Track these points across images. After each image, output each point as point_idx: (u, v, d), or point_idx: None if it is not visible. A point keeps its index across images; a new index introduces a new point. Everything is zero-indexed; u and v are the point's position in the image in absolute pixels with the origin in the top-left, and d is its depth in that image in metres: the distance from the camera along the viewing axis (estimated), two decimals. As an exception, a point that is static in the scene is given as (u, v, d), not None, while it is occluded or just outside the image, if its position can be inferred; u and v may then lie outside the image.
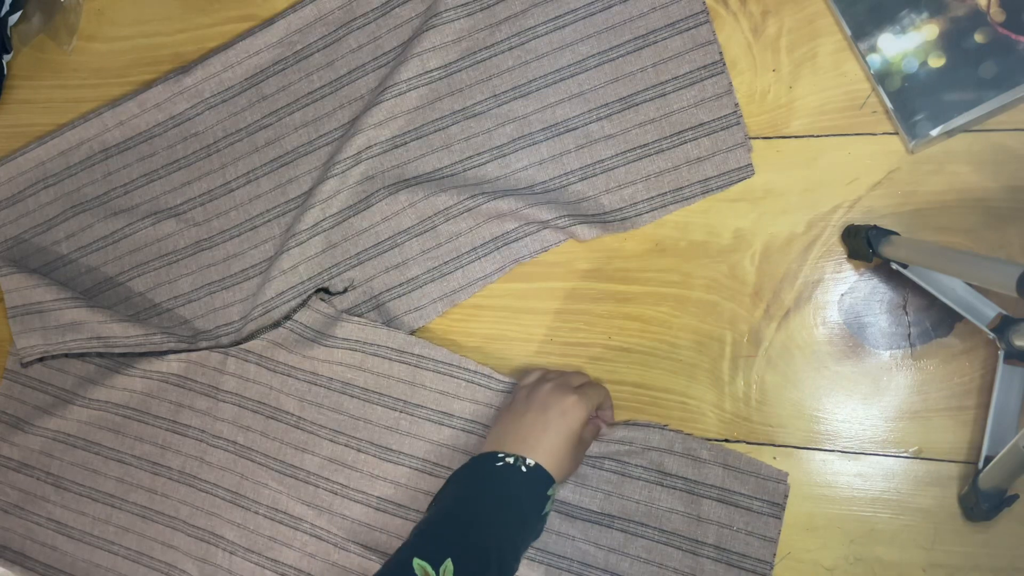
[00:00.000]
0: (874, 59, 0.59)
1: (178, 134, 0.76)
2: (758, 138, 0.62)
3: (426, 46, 0.67)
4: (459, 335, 0.68)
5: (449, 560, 0.47)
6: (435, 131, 0.69)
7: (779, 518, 0.59)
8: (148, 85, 0.76)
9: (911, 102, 0.58)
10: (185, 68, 0.75)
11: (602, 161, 0.65)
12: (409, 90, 0.68)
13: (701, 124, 0.63)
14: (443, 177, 0.68)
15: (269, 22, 0.72)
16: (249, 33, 0.73)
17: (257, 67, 0.73)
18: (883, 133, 0.60)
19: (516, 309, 0.67)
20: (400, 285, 0.69)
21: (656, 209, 0.64)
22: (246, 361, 0.71)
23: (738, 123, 0.62)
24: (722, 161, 0.63)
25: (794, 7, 0.62)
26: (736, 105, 0.62)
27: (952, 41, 0.58)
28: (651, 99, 0.64)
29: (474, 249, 0.67)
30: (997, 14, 0.57)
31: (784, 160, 0.62)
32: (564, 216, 0.64)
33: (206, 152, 0.75)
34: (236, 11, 0.75)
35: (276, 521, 0.69)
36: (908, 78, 0.58)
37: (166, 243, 0.75)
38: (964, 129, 0.58)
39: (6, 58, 0.82)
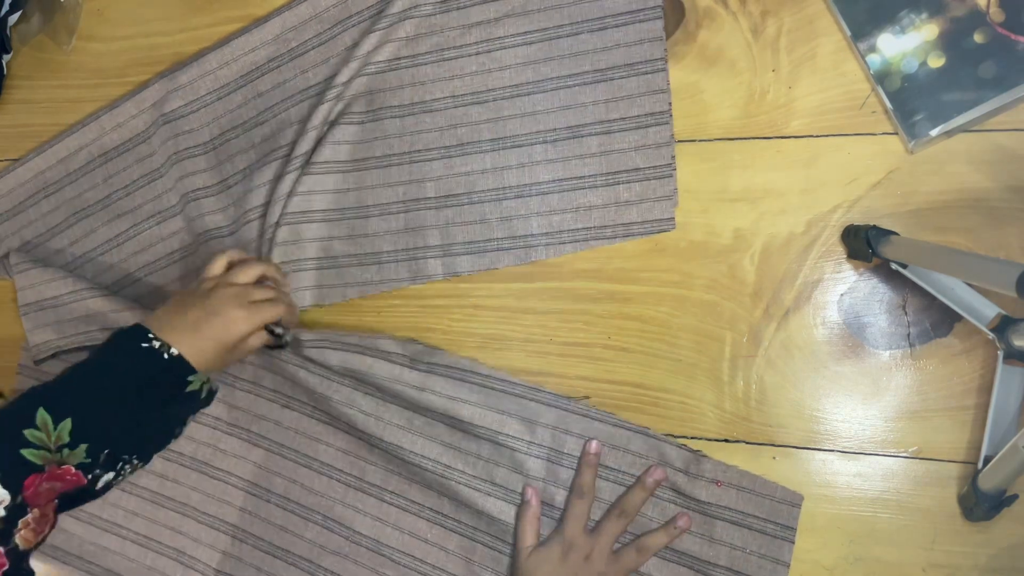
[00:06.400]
0: (874, 59, 0.59)
1: (173, 131, 0.75)
2: (758, 138, 0.62)
3: (400, 35, 0.69)
4: (459, 335, 0.68)
5: (69, 420, 0.51)
6: (391, 117, 0.69)
7: (792, 541, 0.59)
8: (144, 85, 0.76)
9: (911, 102, 0.58)
10: (180, 66, 0.75)
11: (539, 184, 0.66)
12: (377, 72, 0.69)
13: (637, 169, 0.64)
14: (390, 166, 0.70)
15: (264, 19, 0.73)
16: (244, 30, 0.73)
17: (252, 64, 0.73)
18: (883, 133, 0.60)
19: (516, 309, 0.67)
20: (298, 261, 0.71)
21: (579, 242, 0.65)
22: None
23: (671, 175, 0.63)
24: (648, 209, 0.64)
25: (794, 7, 0.62)
26: (672, 158, 0.63)
27: (951, 41, 0.58)
28: (596, 134, 0.65)
29: (394, 252, 0.69)
30: (996, 14, 0.57)
31: (784, 160, 0.62)
32: (488, 240, 0.67)
33: (202, 149, 0.75)
34: (235, 11, 0.75)
35: (288, 511, 0.68)
36: (908, 78, 0.58)
37: (170, 242, 0.76)
38: (964, 129, 0.58)
39: (6, 58, 0.82)
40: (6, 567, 0.49)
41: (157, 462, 0.73)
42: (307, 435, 0.69)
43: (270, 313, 0.63)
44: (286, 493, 0.69)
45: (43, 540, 0.52)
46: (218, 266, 0.65)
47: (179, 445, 0.72)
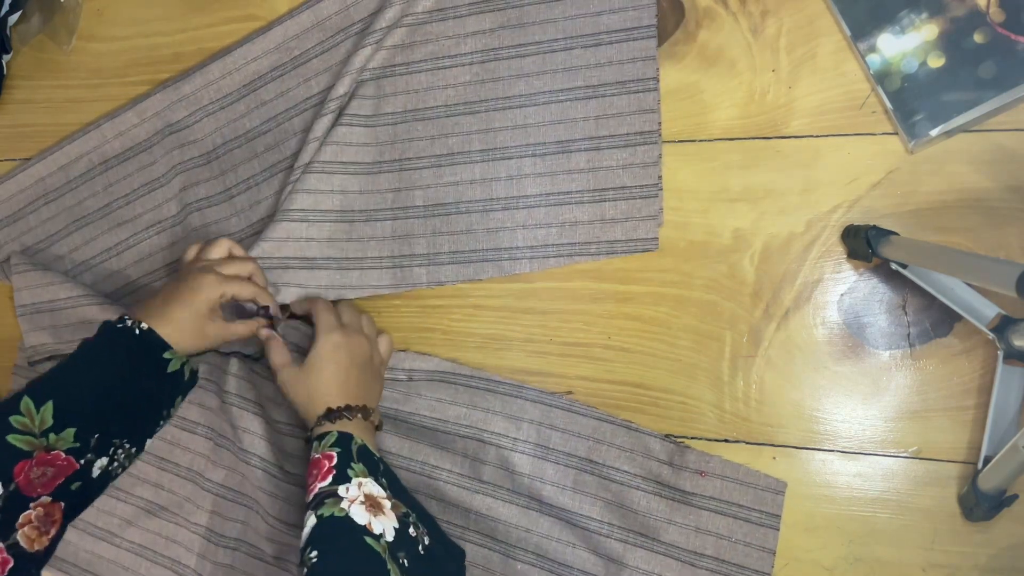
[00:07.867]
0: (873, 59, 0.59)
1: (177, 142, 0.75)
2: (758, 138, 0.62)
3: (396, 41, 0.68)
4: (459, 335, 0.68)
5: (51, 402, 0.53)
6: (384, 124, 0.69)
7: (777, 528, 0.59)
8: (146, 94, 0.75)
9: (911, 102, 0.58)
10: (183, 75, 0.75)
11: (526, 196, 0.66)
12: (372, 79, 0.69)
13: (623, 187, 0.64)
14: (380, 172, 0.69)
15: (266, 28, 0.72)
16: (247, 39, 0.73)
17: (255, 73, 0.73)
18: (883, 133, 0.60)
19: (516, 309, 0.67)
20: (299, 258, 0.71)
21: (563, 256, 0.65)
22: (244, 364, 0.71)
23: (656, 195, 0.63)
24: (632, 228, 0.64)
25: (794, 7, 0.62)
26: (659, 178, 0.63)
27: (951, 41, 0.58)
28: (585, 150, 0.65)
29: (378, 258, 0.69)
30: (996, 14, 0.57)
31: (784, 160, 0.62)
32: (473, 251, 0.67)
33: (205, 159, 0.75)
34: (236, 11, 0.75)
35: (281, 521, 0.68)
36: (907, 78, 0.58)
37: (170, 251, 0.75)
38: (964, 129, 0.58)
39: (6, 58, 0.82)
40: (11, 564, 0.48)
41: (152, 471, 0.73)
42: (288, 453, 0.68)
43: (240, 285, 0.62)
44: (268, 509, 0.68)
45: (53, 546, 0.52)
46: (190, 253, 0.66)
47: (175, 455, 0.72)
